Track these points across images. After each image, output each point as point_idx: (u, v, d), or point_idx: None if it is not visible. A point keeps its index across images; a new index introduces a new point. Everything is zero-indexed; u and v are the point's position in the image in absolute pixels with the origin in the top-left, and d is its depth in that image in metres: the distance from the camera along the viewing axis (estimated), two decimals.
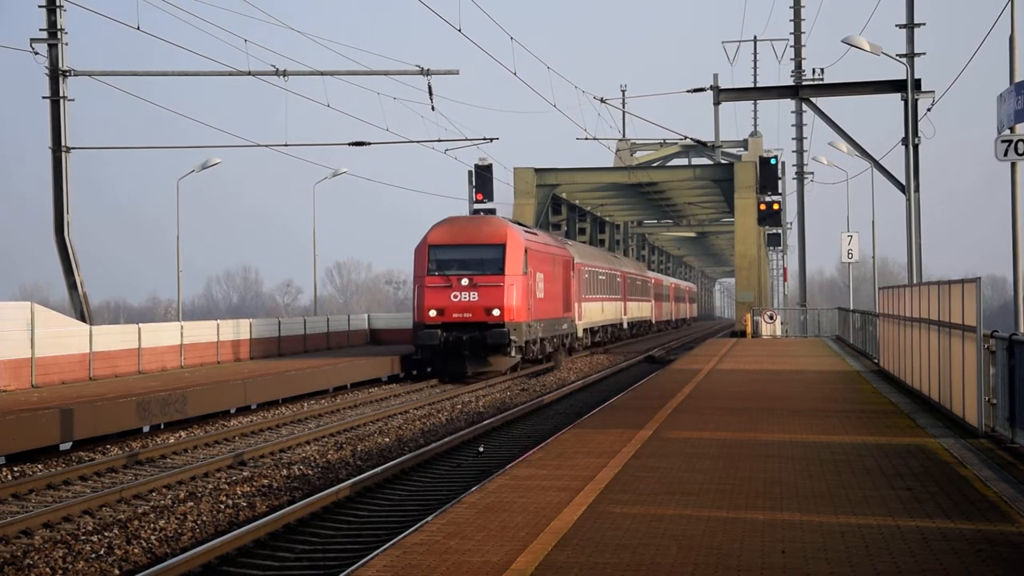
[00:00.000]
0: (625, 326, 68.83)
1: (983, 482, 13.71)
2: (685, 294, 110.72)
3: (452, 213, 42.58)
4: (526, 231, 42.40)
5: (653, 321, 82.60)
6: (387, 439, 24.19)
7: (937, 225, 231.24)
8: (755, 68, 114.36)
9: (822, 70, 61.53)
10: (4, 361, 28.12)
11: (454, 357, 38.41)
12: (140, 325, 34.88)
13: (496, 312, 38.17)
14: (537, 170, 66.83)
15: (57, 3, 37.40)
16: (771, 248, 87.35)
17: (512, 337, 38.28)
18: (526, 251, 39.81)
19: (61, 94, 37.96)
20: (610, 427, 19.18)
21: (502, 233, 39.48)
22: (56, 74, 37.69)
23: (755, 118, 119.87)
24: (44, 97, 37.90)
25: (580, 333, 52.51)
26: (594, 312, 56.86)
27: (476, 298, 38.19)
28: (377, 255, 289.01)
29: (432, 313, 38.09)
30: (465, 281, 38.24)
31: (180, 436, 25.08)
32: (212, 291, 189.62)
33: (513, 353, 38.86)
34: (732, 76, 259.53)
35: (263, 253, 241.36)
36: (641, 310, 75.80)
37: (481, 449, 22.28)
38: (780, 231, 78.14)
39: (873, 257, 56.50)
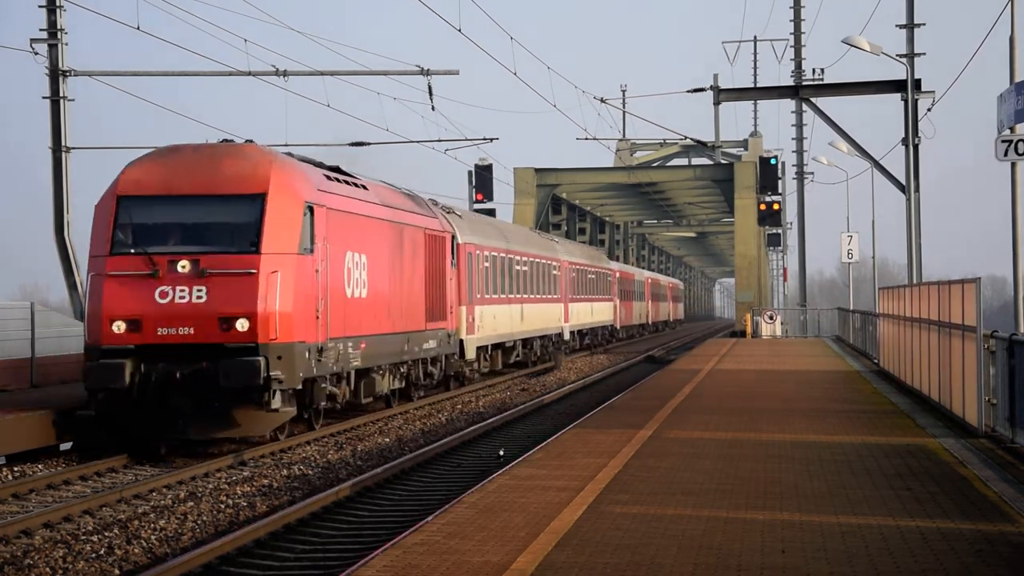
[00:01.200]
0: (567, 336, 49.96)
1: (983, 482, 13.72)
2: (667, 291, 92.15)
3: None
4: (325, 175, 23.48)
5: (618, 327, 65.50)
6: (387, 439, 24.18)
7: (937, 225, 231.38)
8: (755, 68, 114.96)
9: (822, 70, 61.72)
10: (4, 361, 28.11)
11: (159, 412, 20.39)
12: None
13: (242, 324, 20.11)
14: (537, 170, 66.97)
15: (57, 3, 37.39)
16: (771, 248, 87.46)
17: (275, 372, 20.16)
18: (311, 210, 21.50)
19: (61, 94, 37.96)
20: (610, 427, 19.20)
21: (262, 174, 20.99)
22: (56, 74, 37.69)
23: (755, 118, 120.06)
24: (44, 97, 37.93)
25: (470, 354, 33.90)
26: (501, 320, 38.10)
27: (203, 298, 20.19)
28: None
29: (117, 328, 20.20)
30: (184, 265, 20.28)
31: None
32: None
33: (278, 403, 20.62)
34: (732, 76, 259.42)
35: None
36: (595, 313, 58.08)
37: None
38: (780, 231, 78.24)
39: (873, 257, 56.56)
